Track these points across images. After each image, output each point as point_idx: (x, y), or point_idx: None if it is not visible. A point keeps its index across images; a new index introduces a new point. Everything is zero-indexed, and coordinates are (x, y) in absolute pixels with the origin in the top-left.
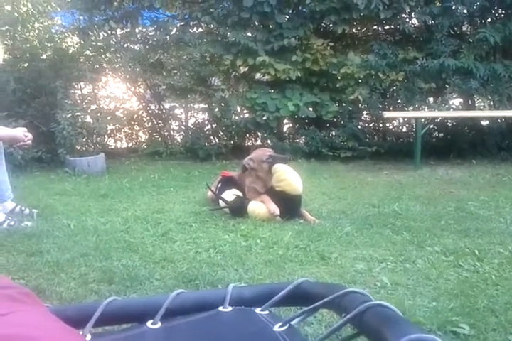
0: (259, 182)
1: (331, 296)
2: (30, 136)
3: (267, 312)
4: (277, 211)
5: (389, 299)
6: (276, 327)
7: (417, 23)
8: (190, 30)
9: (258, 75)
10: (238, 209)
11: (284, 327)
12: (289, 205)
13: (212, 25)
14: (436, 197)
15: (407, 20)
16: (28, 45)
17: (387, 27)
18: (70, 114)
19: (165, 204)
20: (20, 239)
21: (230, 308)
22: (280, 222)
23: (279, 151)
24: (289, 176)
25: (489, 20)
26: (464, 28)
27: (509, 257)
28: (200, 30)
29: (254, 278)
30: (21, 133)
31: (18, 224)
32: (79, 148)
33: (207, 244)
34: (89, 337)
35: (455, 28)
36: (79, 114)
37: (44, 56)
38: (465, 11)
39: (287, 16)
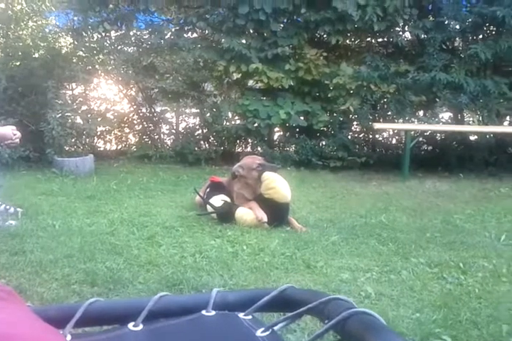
0: (247, 189)
1: (314, 302)
2: (18, 134)
3: (250, 317)
4: (265, 218)
5: (373, 309)
6: (259, 332)
7: (409, 37)
8: (185, 34)
9: (251, 82)
10: (226, 215)
11: (267, 333)
12: (277, 213)
13: (207, 31)
14: (422, 209)
15: (400, 33)
16: (21, 44)
17: (380, 39)
18: (60, 114)
19: (152, 208)
20: (4, 238)
21: (213, 312)
22: (267, 229)
23: (269, 159)
24: (278, 184)
25: (481, 36)
26: (456, 44)
27: (493, 271)
28: (194, 35)
29: (239, 284)
30: (10, 131)
31: (2, 223)
32: (67, 148)
33: (193, 249)
34: (69, 337)
35: (447, 43)
36: (69, 114)
37: (36, 55)
38: (457, 27)
39: (282, 25)
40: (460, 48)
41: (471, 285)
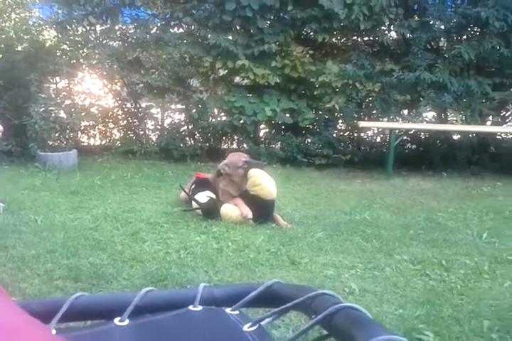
0: (233, 186)
1: (301, 298)
2: (0, 128)
3: (237, 312)
4: (250, 214)
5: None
6: (246, 327)
7: (395, 36)
8: (171, 30)
9: (237, 79)
10: (211, 211)
11: (254, 328)
12: (262, 209)
13: (193, 27)
14: (406, 207)
15: (386, 32)
16: (4, 36)
17: (366, 38)
18: (43, 108)
19: (136, 204)
20: None
21: (200, 307)
22: (252, 225)
23: (254, 156)
24: (263, 181)
25: (465, 37)
26: (441, 44)
27: (474, 268)
28: (180, 30)
29: (224, 280)
30: None
31: None
32: (51, 143)
33: (177, 245)
34: (54, 331)
35: (432, 43)
36: (52, 108)
37: (19, 48)
38: (442, 27)
39: (269, 22)
40: (444, 48)
41: (453, 281)
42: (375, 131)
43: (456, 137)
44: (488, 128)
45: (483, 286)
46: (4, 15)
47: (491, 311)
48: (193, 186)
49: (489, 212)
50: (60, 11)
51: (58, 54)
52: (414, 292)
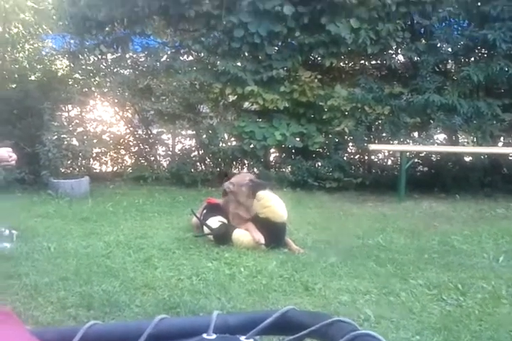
0: (241, 207)
1: (317, 325)
2: (14, 156)
3: (252, 340)
4: (262, 239)
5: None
6: None
7: (403, 59)
8: (181, 57)
9: (246, 104)
10: (223, 237)
11: None
12: (274, 233)
13: (202, 54)
14: (419, 230)
15: (394, 56)
16: (17, 66)
17: (373, 62)
18: (55, 136)
19: (148, 230)
20: None
21: (214, 336)
22: (264, 250)
23: (263, 178)
24: (273, 203)
25: (473, 59)
26: (449, 66)
27: (492, 292)
28: (190, 58)
29: (236, 307)
30: (5, 153)
31: None
32: (63, 170)
33: (190, 272)
34: None
35: (440, 66)
36: (65, 136)
37: (33, 77)
38: (450, 50)
39: (276, 48)
40: (453, 70)
41: (470, 306)
42: (386, 154)
43: (467, 159)
44: (499, 149)
45: (502, 311)
46: (18, 46)
47: (510, 337)
48: (205, 211)
49: (505, 235)
50: (72, 41)
51: (70, 83)
52: (431, 318)
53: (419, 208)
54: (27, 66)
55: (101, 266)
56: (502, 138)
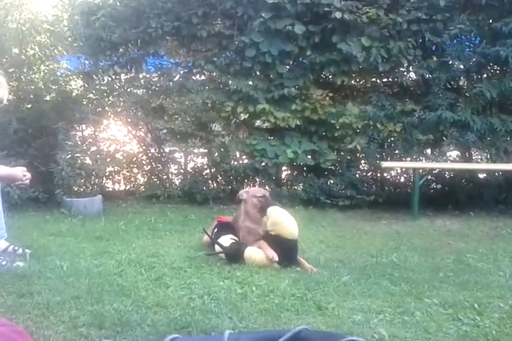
0: (249, 219)
1: None
2: (28, 175)
3: None
4: (276, 257)
5: None
6: None
7: (414, 77)
8: (193, 77)
9: (258, 122)
10: (234, 255)
11: None
12: (286, 251)
13: (214, 73)
14: (434, 248)
15: (405, 73)
16: (33, 87)
17: (385, 79)
18: (69, 155)
19: (160, 248)
20: (11, 280)
21: None
22: (277, 269)
23: (276, 198)
24: (283, 219)
25: (485, 75)
26: (461, 83)
27: (509, 312)
28: (202, 77)
29: (248, 326)
30: (20, 172)
31: (10, 264)
32: (76, 189)
33: (201, 290)
34: None
35: (452, 82)
36: (78, 155)
37: (48, 98)
38: (461, 66)
39: (288, 67)
40: (465, 87)
41: (487, 326)
42: (399, 171)
43: (481, 176)
44: None
45: None
46: (34, 68)
47: None
48: (215, 230)
49: None
50: (86, 62)
51: (84, 102)
52: (447, 338)
53: (433, 226)
54: (42, 87)
55: (113, 285)
56: None
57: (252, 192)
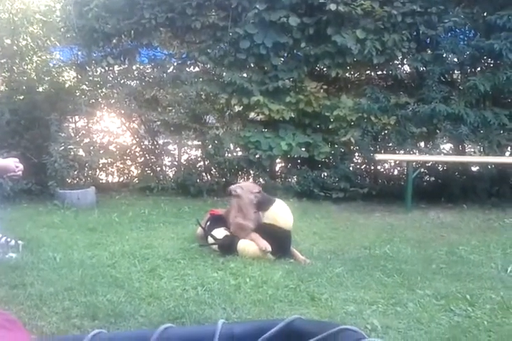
0: (241, 214)
1: (323, 334)
2: (21, 166)
3: None
4: (269, 247)
5: None
6: None
7: (408, 70)
8: (187, 68)
9: (252, 114)
10: (228, 247)
11: None
12: (280, 241)
13: (208, 65)
14: (427, 240)
15: (399, 66)
16: (25, 78)
17: (379, 72)
18: (62, 147)
19: (154, 240)
20: (4, 271)
21: None
22: (270, 260)
23: (271, 191)
24: (278, 209)
25: (479, 68)
26: (455, 76)
27: (501, 303)
28: (196, 69)
29: (242, 317)
30: (12, 163)
31: (3, 256)
32: (69, 180)
33: (195, 282)
34: None
35: (446, 75)
36: (72, 147)
37: (40, 89)
38: (455, 60)
39: (282, 59)
40: (459, 80)
41: (479, 317)
42: (392, 164)
43: (474, 169)
44: (506, 159)
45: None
46: (26, 58)
47: None
48: (208, 223)
49: None
50: (79, 53)
51: (78, 94)
52: (439, 328)
53: (426, 218)
54: (35, 78)
55: (106, 276)
56: (509, 148)
57: (247, 187)
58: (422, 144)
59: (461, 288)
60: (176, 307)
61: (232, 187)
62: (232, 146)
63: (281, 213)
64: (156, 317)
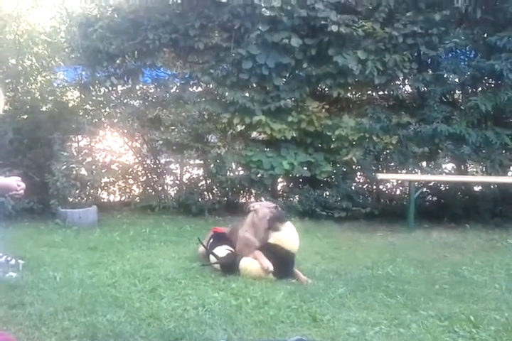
0: (251, 230)
1: None
2: (23, 185)
3: None
4: (271, 266)
5: None
6: None
7: (410, 90)
8: (190, 88)
9: (254, 134)
10: (230, 266)
11: None
12: (283, 263)
13: (211, 85)
14: (430, 260)
15: (401, 86)
16: (29, 98)
17: (381, 92)
18: (65, 166)
19: (155, 259)
20: (3, 290)
21: None
22: (272, 281)
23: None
24: (286, 229)
25: (480, 89)
26: (456, 96)
27: (505, 324)
28: (199, 89)
29: (243, 338)
30: (14, 182)
31: (3, 275)
32: (71, 199)
33: (195, 302)
34: None
35: (447, 96)
36: (74, 166)
37: (44, 108)
38: (457, 80)
39: (284, 79)
40: (460, 100)
41: (484, 339)
42: (395, 184)
43: (477, 188)
44: (509, 178)
45: None
46: (31, 78)
47: None
48: (211, 240)
49: None
50: (83, 73)
51: (81, 113)
52: None
53: (429, 238)
54: (39, 97)
55: (106, 296)
56: (511, 168)
57: (265, 204)
58: (424, 164)
59: (465, 309)
60: (177, 328)
61: (252, 204)
62: (234, 165)
63: (288, 235)
64: (156, 338)
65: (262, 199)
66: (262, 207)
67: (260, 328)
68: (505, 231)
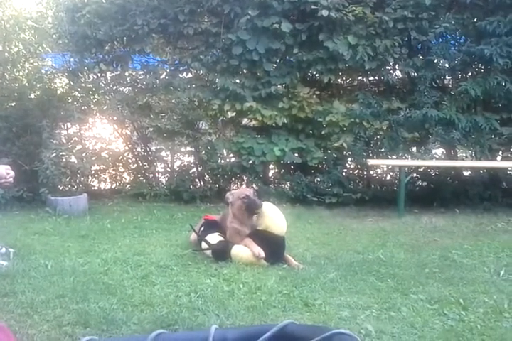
0: (236, 220)
1: (317, 338)
2: (12, 173)
3: None
4: (262, 253)
5: None
6: None
7: (400, 75)
8: (180, 75)
9: (245, 120)
10: (221, 252)
11: None
12: (273, 247)
13: (201, 71)
14: (420, 245)
15: (391, 71)
16: (17, 85)
17: (371, 78)
18: (54, 154)
19: (146, 247)
20: None
21: None
22: (263, 266)
23: (264, 196)
24: (272, 214)
25: (470, 74)
26: (446, 81)
27: (494, 306)
28: (189, 75)
29: (235, 323)
30: (3, 170)
31: None
32: (61, 187)
33: (188, 288)
34: None
35: (437, 81)
36: (63, 153)
37: (32, 96)
38: (447, 65)
39: (275, 65)
40: (450, 85)
41: (472, 321)
42: (385, 169)
43: (466, 173)
44: (498, 163)
45: (505, 326)
46: (18, 65)
47: None
48: (202, 228)
49: (505, 249)
50: (71, 59)
51: (70, 100)
52: (433, 332)
53: (419, 223)
54: (27, 84)
55: (98, 283)
56: (501, 152)
57: (236, 194)
58: (414, 149)
59: (455, 292)
60: (169, 314)
61: (227, 194)
62: (225, 152)
63: (275, 220)
64: (149, 324)
65: (253, 185)
66: (235, 199)
67: (252, 313)
68: (494, 216)
